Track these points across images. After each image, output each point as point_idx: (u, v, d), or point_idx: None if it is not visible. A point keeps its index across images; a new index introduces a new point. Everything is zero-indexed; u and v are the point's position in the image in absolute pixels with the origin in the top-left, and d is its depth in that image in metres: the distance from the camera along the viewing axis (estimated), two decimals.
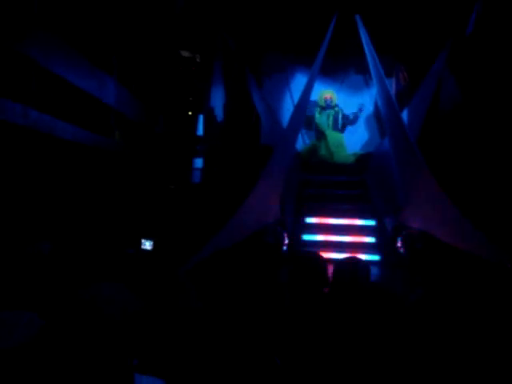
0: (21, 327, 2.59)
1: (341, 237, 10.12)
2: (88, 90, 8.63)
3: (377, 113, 12.39)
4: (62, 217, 7.60)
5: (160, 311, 2.91)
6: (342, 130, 12.68)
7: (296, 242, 9.89)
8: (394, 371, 2.84)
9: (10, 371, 2.23)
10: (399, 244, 9.38)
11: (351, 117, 12.69)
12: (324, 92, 12.61)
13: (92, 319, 2.44)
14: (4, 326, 2.57)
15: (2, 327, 2.55)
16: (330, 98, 12.62)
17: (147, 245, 7.93)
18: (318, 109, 12.68)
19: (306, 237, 10.20)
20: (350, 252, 9.41)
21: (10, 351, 2.34)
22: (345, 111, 12.78)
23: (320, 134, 12.57)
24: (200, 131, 12.08)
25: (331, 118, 12.57)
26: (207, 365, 2.62)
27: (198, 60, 12.02)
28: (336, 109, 12.67)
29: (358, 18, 9.89)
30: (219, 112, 11.73)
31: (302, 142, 12.84)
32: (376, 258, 9.74)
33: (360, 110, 12.57)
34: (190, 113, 12.25)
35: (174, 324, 2.69)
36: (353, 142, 12.79)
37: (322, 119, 12.62)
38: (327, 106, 12.60)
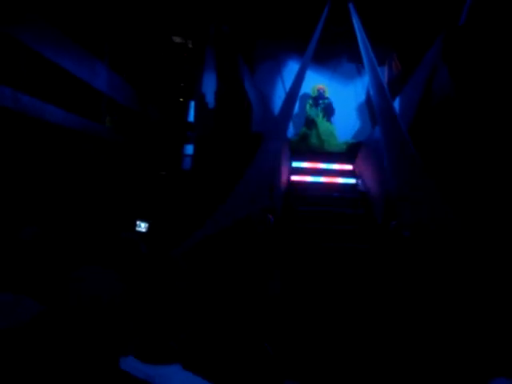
0: (18, 310, 2.61)
1: (330, 225, 10.15)
2: (79, 75, 8.57)
3: (369, 101, 12.41)
4: (53, 202, 7.58)
5: (150, 293, 2.92)
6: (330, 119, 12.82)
7: (286, 229, 9.90)
8: (384, 361, 2.87)
9: (5, 351, 2.25)
10: (388, 233, 9.41)
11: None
12: (317, 85, 12.71)
13: (79, 302, 2.44)
14: (3, 307, 2.59)
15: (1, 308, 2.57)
16: (323, 89, 12.72)
17: (142, 227, 7.93)
18: (310, 101, 12.76)
19: (296, 224, 10.22)
20: (339, 240, 9.47)
21: (6, 332, 2.35)
22: (334, 101, 12.87)
23: (311, 123, 12.61)
24: (191, 117, 12.06)
25: (320, 109, 12.66)
26: (198, 351, 2.63)
27: (190, 46, 11.97)
28: (326, 101, 12.76)
29: (351, 5, 9.87)
30: (210, 98, 11.69)
31: (294, 131, 12.87)
32: (365, 246, 9.77)
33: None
34: (181, 99, 12.21)
35: (163, 306, 2.69)
36: (344, 130, 12.82)
37: (312, 111, 12.70)
38: (319, 96, 12.68)
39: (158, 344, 2.26)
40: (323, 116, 12.67)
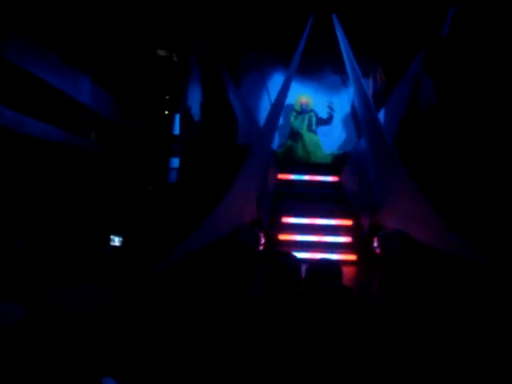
0: (2, 316, 2.56)
1: (317, 237, 10.12)
2: (63, 88, 8.53)
3: (354, 113, 12.44)
4: (38, 215, 7.52)
5: (132, 310, 2.88)
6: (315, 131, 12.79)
7: (272, 241, 9.87)
8: (366, 370, 2.83)
9: None
10: (375, 243, 9.40)
11: (325, 117, 12.81)
12: (300, 97, 12.66)
13: (61, 323, 2.39)
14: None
15: None
16: (306, 103, 12.70)
17: (116, 241, 7.84)
18: (294, 113, 12.75)
19: (283, 237, 10.18)
20: (326, 252, 9.44)
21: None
22: (320, 113, 12.87)
23: (296, 135, 12.60)
24: (176, 130, 12.02)
25: (306, 122, 12.64)
26: (183, 367, 2.59)
27: (174, 59, 11.96)
28: (311, 113, 12.74)
29: (334, 17, 9.91)
30: (196, 111, 11.66)
31: (279, 141, 12.84)
32: (352, 257, 9.76)
33: (330, 108, 12.74)
34: (166, 112, 12.18)
35: (146, 322, 2.65)
36: (330, 142, 12.83)
37: (296, 123, 12.68)
38: (303, 111, 12.67)
39: (135, 365, 2.22)
40: (308, 127, 12.64)
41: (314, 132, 12.70)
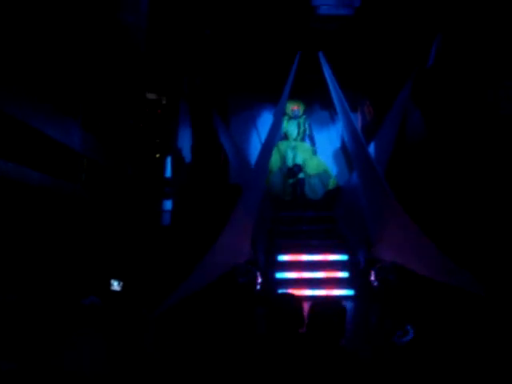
0: None
1: (313, 273, 10.04)
2: (53, 135, 8.50)
3: (344, 148, 12.50)
4: (24, 265, 7.43)
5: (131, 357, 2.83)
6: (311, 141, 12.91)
7: (269, 280, 9.79)
8: None
9: None
10: (372, 277, 9.35)
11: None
12: (291, 104, 12.63)
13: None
14: None
15: None
16: (298, 109, 12.77)
17: (115, 285, 7.78)
18: (287, 117, 12.86)
19: (279, 275, 10.10)
20: (324, 288, 9.39)
21: None
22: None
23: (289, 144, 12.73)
24: (168, 173, 12.02)
25: (302, 128, 12.76)
26: None
27: (163, 102, 12.01)
28: (303, 118, 12.92)
29: (321, 54, 10.01)
30: (187, 153, 11.70)
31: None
32: (350, 292, 9.69)
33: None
34: (157, 155, 12.19)
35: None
36: None
37: (290, 127, 12.79)
38: (294, 116, 12.76)
39: None
40: (303, 134, 12.76)
41: (310, 141, 12.80)
